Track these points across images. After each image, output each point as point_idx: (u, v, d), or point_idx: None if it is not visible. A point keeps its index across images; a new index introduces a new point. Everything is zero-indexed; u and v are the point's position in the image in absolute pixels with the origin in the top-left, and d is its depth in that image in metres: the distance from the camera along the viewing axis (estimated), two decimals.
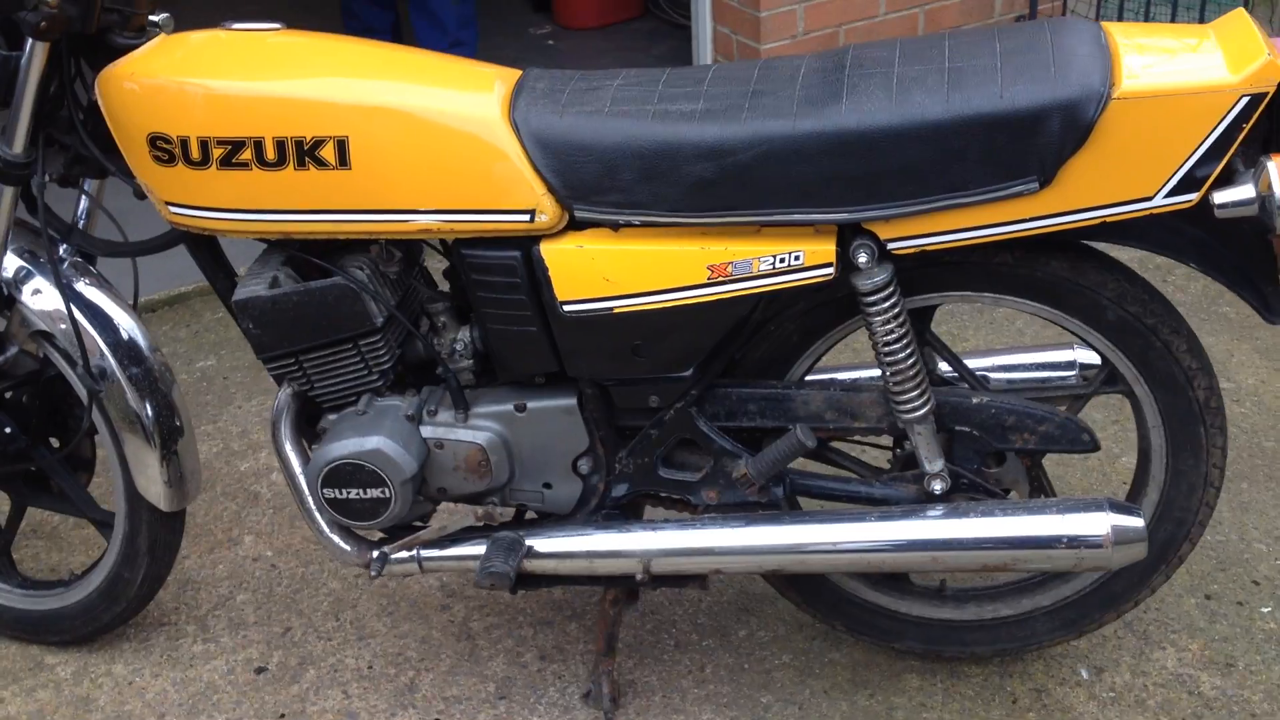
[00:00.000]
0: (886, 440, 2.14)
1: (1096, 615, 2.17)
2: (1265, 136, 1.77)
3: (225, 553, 2.69)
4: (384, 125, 1.88)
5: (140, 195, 2.08)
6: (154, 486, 2.21)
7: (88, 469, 2.42)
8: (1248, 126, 1.72)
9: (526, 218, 1.88)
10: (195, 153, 1.90)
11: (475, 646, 2.44)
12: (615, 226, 1.89)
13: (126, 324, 2.18)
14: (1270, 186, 1.70)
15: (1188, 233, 1.89)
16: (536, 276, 1.92)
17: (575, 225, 1.91)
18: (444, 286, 2.17)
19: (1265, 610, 2.44)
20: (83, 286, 2.16)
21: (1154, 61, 1.77)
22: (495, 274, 1.94)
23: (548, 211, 1.88)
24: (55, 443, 2.40)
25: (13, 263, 2.16)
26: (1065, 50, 1.79)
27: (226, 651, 2.46)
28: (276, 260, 2.08)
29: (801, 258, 1.85)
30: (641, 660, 2.39)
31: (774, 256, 1.85)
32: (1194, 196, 1.76)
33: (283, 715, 2.32)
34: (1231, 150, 1.74)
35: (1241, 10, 1.87)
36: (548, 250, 1.90)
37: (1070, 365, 2.21)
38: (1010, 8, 4.56)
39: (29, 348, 2.22)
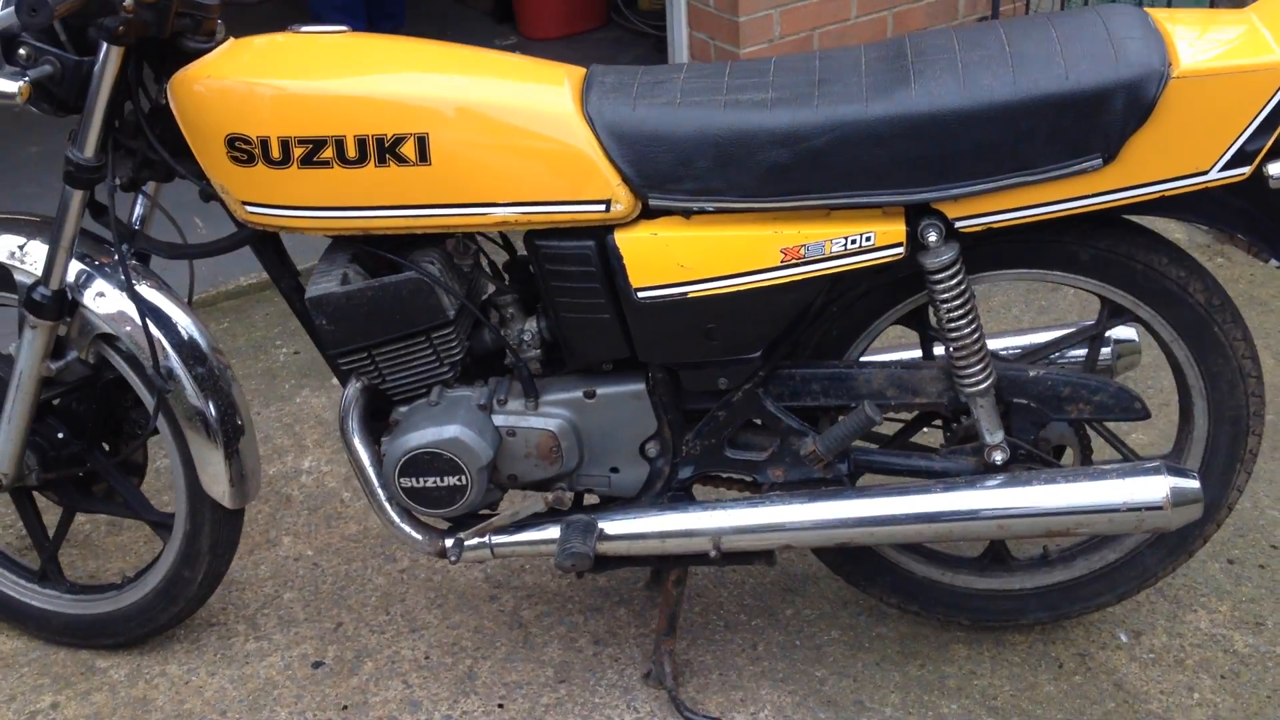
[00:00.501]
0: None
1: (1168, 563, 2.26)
2: None
3: (265, 553, 2.71)
4: (463, 121, 1.93)
5: (206, 198, 2.10)
6: (218, 485, 2.23)
7: (138, 472, 2.44)
8: None
9: (602, 208, 1.94)
10: (276, 152, 1.93)
11: (528, 634, 2.49)
12: (688, 214, 1.95)
13: (187, 324, 2.20)
14: None
15: (1234, 205, 1.98)
16: (610, 265, 1.97)
17: (648, 214, 1.96)
18: (498, 279, 2.21)
19: None
20: (144, 289, 2.18)
21: (1206, 43, 1.86)
22: (570, 264, 1.99)
23: (623, 201, 1.93)
24: (105, 447, 2.40)
25: (74, 268, 2.17)
26: (1120, 34, 1.87)
27: (280, 648, 2.48)
28: (343, 257, 2.11)
29: (873, 238, 1.92)
30: (694, 641, 2.45)
31: (845, 238, 1.92)
32: (1247, 170, 1.86)
33: (345, 707, 2.35)
34: None
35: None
36: (622, 239, 1.96)
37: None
38: (973, 9, 4.67)
39: (87, 353, 2.23)
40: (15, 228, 2.22)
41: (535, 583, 2.61)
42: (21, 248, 2.18)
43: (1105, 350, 2.29)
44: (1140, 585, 2.25)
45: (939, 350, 2.19)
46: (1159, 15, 1.94)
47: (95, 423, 2.34)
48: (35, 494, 2.46)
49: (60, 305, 2.14)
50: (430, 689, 2.38)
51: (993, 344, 2.21)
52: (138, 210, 2.25)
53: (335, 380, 3.14)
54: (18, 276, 2.18)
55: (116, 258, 2.18)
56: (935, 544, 2.32)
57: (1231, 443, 2.12)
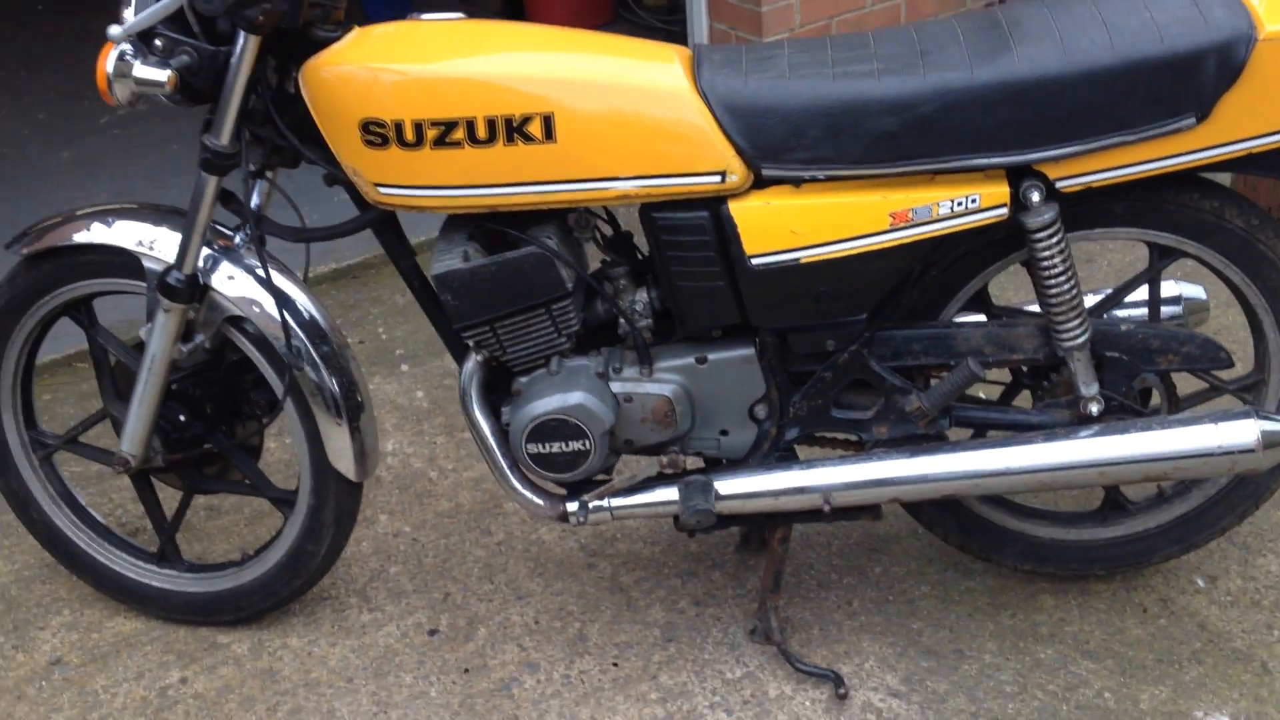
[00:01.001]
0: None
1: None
2: None
3: (365, 531, 2.81)
4: (586, 99, 2.03)
5: (330, 182, 2.20)
6: (344, 459, 2.33)
7: (254, 453, 2.53)
8: None
9: (718, 179, 2.04)
10: (409, 134, 2.04)
11: (630, 598, 2.59)
12: (798, 183, 2.06)
13: (308, 305, 2.30)
14: None
15: None
16: (725, 233, 2.08)
17: (760, 184, 2.07)
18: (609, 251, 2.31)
19: None
20: (272, 271, 2.27)
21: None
22: (686, 234, 2.09)
23: (737, 172, 2.04)
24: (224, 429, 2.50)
25: (201, 253, 2.26)
26: (1208, 1, 1.99)
27: (394, 618, 2.58)
28: (461, 235, 2.21)
29: (978, 200, 2.03)
30: (791, 600, 2.55)
31: (952, 201, 2.03)
32: None
33: (466, 670, 2.45)
34: None
35: None
36: (736, 208, 2.07)
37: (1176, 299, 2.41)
38: None
39: (213, 336, 2.32)
40: (140, 216, 2.31)
41: (629, 550, 2.71)
42: (149, 236, 2.27)
43: (1176, 309, 2.40)
44: (1257, 502, 2.35)
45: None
46: None
47: (217, 405, 2.43)
48: (153, 478, 2.55)
49: (193, 289, 2.23)
50: (545, 650, 2.48)
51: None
52: (255, 197, 2.33)
53: (405, 367, 3.26)
54: (147, 264, 2.27)
55: (245, 241, 2.28)
56: (1034, 494, 2.42)
57: None
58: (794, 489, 2.23)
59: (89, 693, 2.48)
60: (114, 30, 1.98)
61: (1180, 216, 2.16)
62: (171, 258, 2.24)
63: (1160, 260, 2.24)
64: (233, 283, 2.27)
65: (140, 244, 2.27)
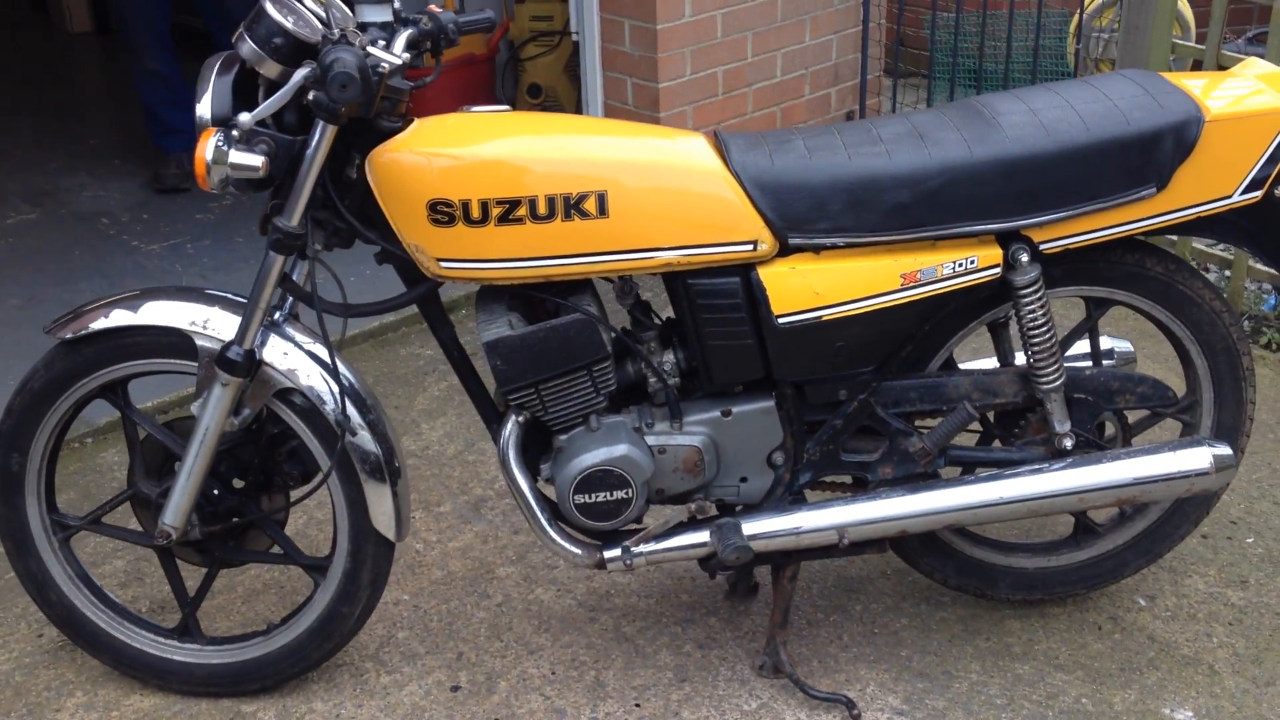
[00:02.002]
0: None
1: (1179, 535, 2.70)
2: None
3: None
4: (636, 178, 2.27)
5: (382, 260, 2.38)
6: (384, 521, 2.47)
7: (281, 524, 2.64)
8: None
9: (750, 247, 2.30)
10: (475, 213, 2.23)
11: (636, 646, 2.78)
12: (819, 250, 2.33)
13: (348, 374, 2.45)
14: None
15: (1242, 225, 2.46)
16: (754, 296, 2.33)
17: (784, 251, 2.33)
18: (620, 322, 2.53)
19: (1249, 541, 3.04)
20: (318, 346, 2.42)
21: (1222, 94, 2.36)
22: (719, 297, 2.34)
23: (766, 241, 2.30)
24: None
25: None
26: (1153, 89, 2.36)
27: (413, 678, 2.71)
28: (500, 306, 2.41)
29: (975, 261, 2.34)
30: (781, 644, 2.77)
31: (954, 262, 2.33)
32: (1259, 193, 2.35)
33: (498, 719, 2.59)
34: None
35: (1255, 58, 2.49)
36: (765, 273, 2.32)
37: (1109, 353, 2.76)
38: (842, 105, 5.22)
39: (259, 409, 2.44)
40: (188, 298, 2.43)
41: (625, 603, 2.90)
42: (202, 316, 2.39)
43: (1109, 362, 2.75)
44: (1206, 509, 2.68)
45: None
46: (1171, 77, 2.43)
47: (255, 476, 2.55)
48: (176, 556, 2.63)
49: (250, 363, 2.36)
50: (568, 698, 2.64)
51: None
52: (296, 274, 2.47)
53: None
54: (201, 342, 2.38)
55: (284, 317, 2.42)
56: (1017, 524, 2.70)
57: (1231, 368, 2.57)
58: (814, 528, 2.46)
59: None
60: (244, 117, 2.13)
61: (1109, 271, 2.50)
62: (225, 335, 2.37)
63: (1095, 310, 2.58)
64: (285, 357, 2.40)
65: (193, 324, 2.39)
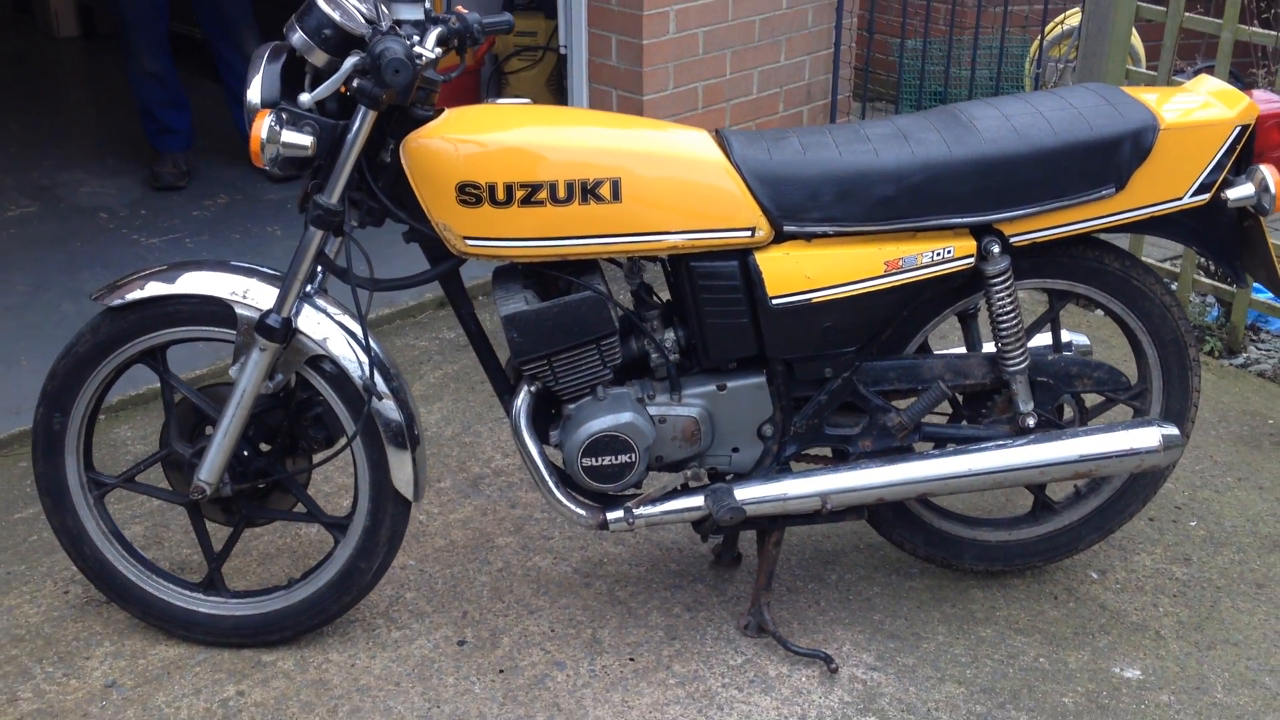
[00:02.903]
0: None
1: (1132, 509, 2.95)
2: (1246, 153, 2.63)
3: None
4: (647, 167, 2.49)
5: (411, 239, 2.59)
6: (405, 481, 2.67)
7: (303, 484, 2.83)
8: (1239, 147, 2.58)
9: (748, 234, 2.53)
10: (501, 194, 2.45)
11: (629, 608, 2.99)
12: (810, 237, 2.56)
13: (374, 345, 2.65)
14: (1263, 185, 2.56)
15: (1190, 225, 2.72)
16: (751, 279, 2.56)
17: (778, 239, 2.56)
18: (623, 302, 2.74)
19: (1192, 524, 3.30)
20: (344, 317, 2.63)
21: (1174, 106, 2.62)
22: (719, 279, 2.56)
23: (763, 228, 2.53)
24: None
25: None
26: (1113, 100, 2.61)
27: (422, 634, 2.90)
28: (515, 285, 2.62)
29: (952, 251, 2.58)
30: (765, 605, 2.99)
31: (932, 251, 2.57)
32: (1207, 196, 2.61)
33: (501, 670, 2.80)
34: (1230, 162, 2.59)
35: (1206, 75, 2.76)
36: (761, 258, 2.55)
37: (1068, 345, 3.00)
38: (813, 123, 5.48)
39: (291, 374, 2.64)
40: (228, 269, 2.63)
41: (617, 570, 3.11)
42: (242, 286, 2.59)
43: (1069, 352, 2.99)
44: (1155, 489, 2.93)
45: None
46: (1130, 90, 2.69)
47: (282, 439, 2.74)
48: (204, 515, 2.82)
49: (287, 330, 2.56)
50: (567, 651, 2.85)
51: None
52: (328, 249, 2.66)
53: None
54: (240, 310, 2.58)
55: (316, 289, 2.62)
56: (982, 496, 2.94)
57: (1179, 358, 2.83)
58: (800, 494, 2.69)
59: (152, 708, 2.70)
60: (304, 98, 2.34)
61: (1071, 265, 2.75)
62: (263, 305, 2.57)
63: (1058, 302, 2.83)
64: (318, 326, 2.61)
65: (234, 293, 2.59)
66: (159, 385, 2.73)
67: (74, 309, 4.26)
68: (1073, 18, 5.61)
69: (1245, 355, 4.12)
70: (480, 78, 5.74)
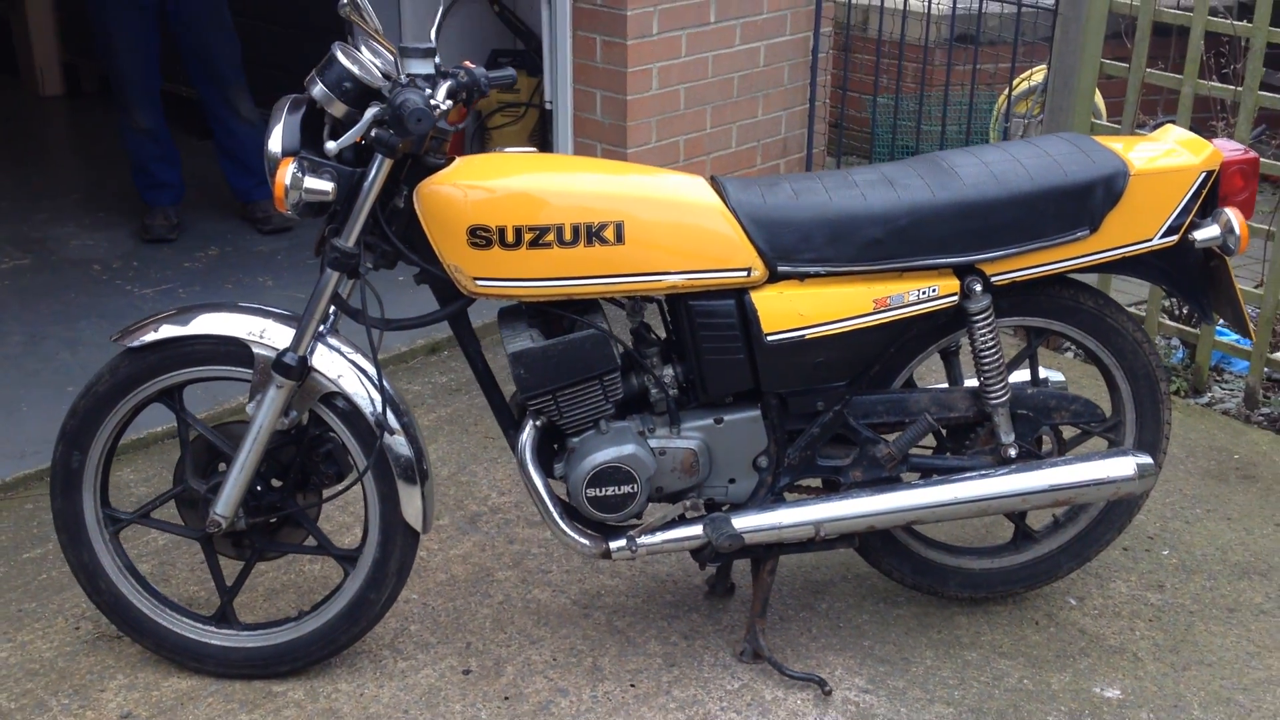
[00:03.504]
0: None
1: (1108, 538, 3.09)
2: (1211, 197, 2.79)
3: None
4: (648, 212, 2.63)
5: (421, 281, 2.71)
6: (414, 514, 2.78)
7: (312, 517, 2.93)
8: (1205, 191, 2.75)
9: (744, 274, 2.67)
10: (510, 237, 2.58)
11: (628, 637, 3.09)
12: (803, 277, 2.70)
13: (385, 383, 2.77)
14: (1229, 226, 2.73)
15: (1159, 265, 2.88)
16: (746, 316, 2.69)
17: (772, 279, 2.70)
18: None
19: (1165, 553, 3.44)
20: (360, 355, 2.74)
21: (1143, 153, 2.78)
22: (716, 317, 2.70)
23: (758, 269, 2.67)
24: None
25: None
26: (1085, 148, 2.78)
27: (428, 664, 3.00)
28: (521, 323, 2.75)
29: (936, 290, 2.72)
30: (760, 632, 3.11)
31: (919, 290, 2.72)
32: (1176, 237, 2.77)
33: (507, 698, 2.89)
34: (1196, 206, 2.75)
35: (1172, 125, 2.92)
36: (757, 297, 2.69)
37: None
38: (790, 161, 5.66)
39: (306, 411, 2.75)
40: (244, 311, 2.75)
41: (615, 602, 3.22)
42: (259, 327, 2.71)
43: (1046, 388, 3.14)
44: (1129, 518, 3.07)
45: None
46: (1101, 139, 2.85)
47: (294, 475, 2.85)
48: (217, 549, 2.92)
49: (303, 368, 2.67)
50: (569, 679, 2.95)
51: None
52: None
53: None
54: (257, 350, 2.69)
55: (328, 330, 2.74)
56: (968, 523, 3.07)
57: (1151, 392, 2.98)
58: (794, 523, 2.81)
59: None
60: (329, 145, 2.47)
61: (1048, 304, 2.90)
62: (279, 344, 2.68)
63: (1035, 339, 2.98)
64: (332, 365, 2.72)
65: (250, 333, 2.70)
66: (160, 429, 2.84)
67: (71, 358, 4.36)
68: (1038, 74, 5.81)
69: (1210, 394, 4.28)
70: (465, 133, 5.88)
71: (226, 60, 5.26)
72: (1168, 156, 2.78)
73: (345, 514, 3.53)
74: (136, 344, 2.74)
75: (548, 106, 5.00)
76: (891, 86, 6.23)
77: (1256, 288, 4.23)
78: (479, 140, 5.91)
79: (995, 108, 6.23)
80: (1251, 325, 3.01)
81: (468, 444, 3.94)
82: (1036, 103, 5.90)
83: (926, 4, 5.93)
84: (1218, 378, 4.39)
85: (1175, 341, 4.49)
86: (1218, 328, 4.28)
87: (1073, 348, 4.42)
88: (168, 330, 2.73)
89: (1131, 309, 4.47)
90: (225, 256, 5.23)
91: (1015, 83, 5.88)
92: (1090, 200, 2.70)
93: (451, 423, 4.06)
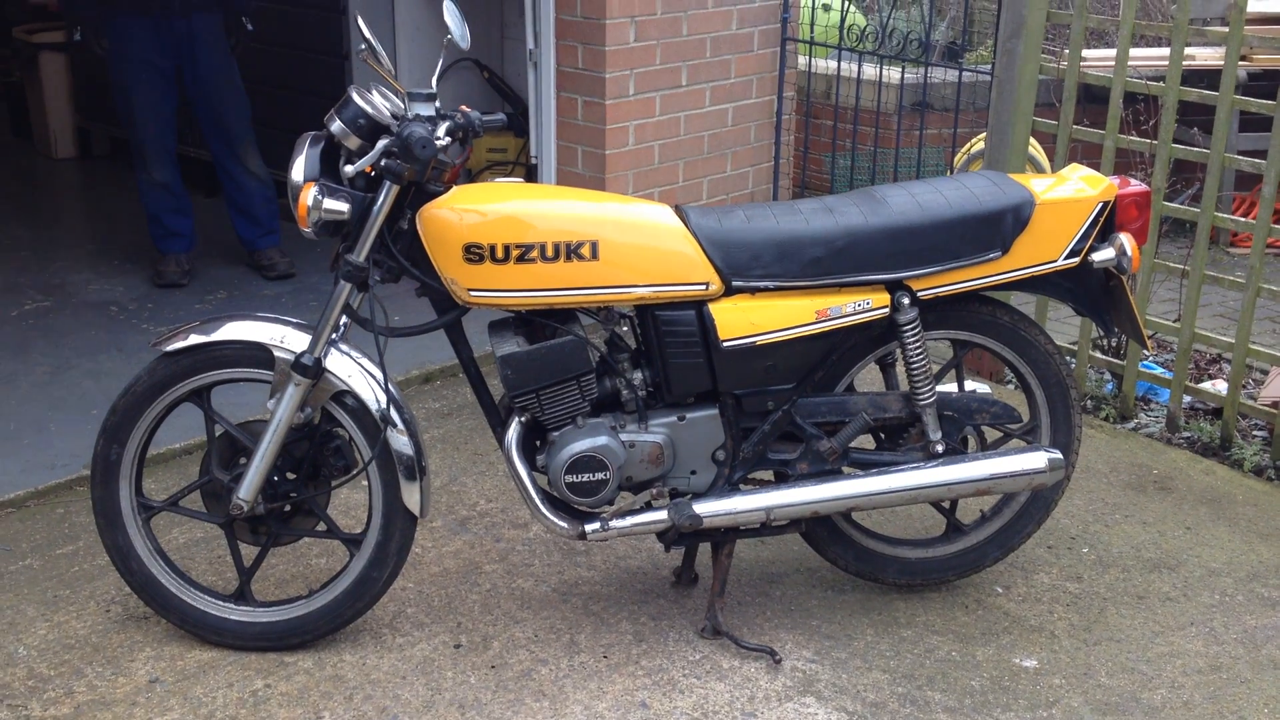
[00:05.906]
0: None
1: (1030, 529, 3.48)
2: (1109, 224, 3.22)
3: None
4: (620, 232, 3.05)
5: (422, 294, 3.12)
6: (414, 500, 3.16)
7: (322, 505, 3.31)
8: (1103, 219, 3.18)
9: (703, 287, 3.08)
10: (500, 253, 2.99)
11: (602, 618, 3.47)
12: (754, 291, 3.11)
13: (391, 385, 3.17)
14: (1122, 249, 3.16)
15: (1064, 284, 3.30)
16: (705, 325, 3.10)
17: (728, 292, 3.11)
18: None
19: (1084, 550, 3.84)
20: (366, 358, 3.14)
21: (1048, 186, 3.21)
22: (679, 325, 3.10)
23: (715, 283, 3.08)
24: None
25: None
26: (1001, 183, 3.21)
27: (422, 640, 3.37)
28: (508, 331, 3.15)
29: (870, 303, 3.14)
30: (719, 610, 3.48)
31: (854, 303, 3.13)
32: (1077, 259, 3.19)
33: (493, 666, 3.26)
34: (1095, 232, 3.18)
35: (1077, 165, 3.36)
36: (714, 308, 3.10)
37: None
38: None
39: (319, 409, 3.14)
40: (265, 319, 3.14)
41: (591, 590, 3.60)
42: (279, 333, 3.11)
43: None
44: (1046, 513, 3.46)
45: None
46: (1013, 175, 3.28)
47: (307, 466, 3.23)
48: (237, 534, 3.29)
49: (319, 368, 3.07)
50: (550, 651, 3.32)
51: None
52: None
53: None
54: (278, 353, 3.09)
55: (340, 335, 3.14)
56: (902, 512, 3.46)
57: (1062, 397, 3.38)
58: (748, 509, 3.20)
59: (192, 698, 3.15)
60: (347, 169, 2.89)
61: (970, 319, 3.32)
62: (297, 349, 3.08)
63: (960, 350, 3.39)
64: (343, 367, 3.12)
65: (272, 339, 3.10)
66: (178, 445, 3.18)
67: (95, 386, 4.74)
68: (979, 143, 6.26)
69: (1136, 420, 4.70)
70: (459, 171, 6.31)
71: (237, 118, 5.70)
72: (1070, 189, 3.21)
73: (348, 517, 3.90)
74: (171, 348, 3.13)
75: (533, 161, 5.44)
76: (849, 146, 6.69)
77: (1175, 321, 4.66)
78: None
79: (943, 161, 6.67)
80: (1150, 340, 3.41)
81: (459, 459, 4.33)
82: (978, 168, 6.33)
83: (879, 78, 6.39)
84: (1145, 406, 4.80)
85: (1105, 374, 4.90)
86: (1141, 362, 4.70)
87: (1014, 380, 4.82)
88: (198, 336, 3.12)
89: (1065, 345, 4.90)
90: (234, 299, 5.63)
91: (957, 157, 6.32)
92: (1001, 226, 3.13)
93: (444, 441, 4.45)
